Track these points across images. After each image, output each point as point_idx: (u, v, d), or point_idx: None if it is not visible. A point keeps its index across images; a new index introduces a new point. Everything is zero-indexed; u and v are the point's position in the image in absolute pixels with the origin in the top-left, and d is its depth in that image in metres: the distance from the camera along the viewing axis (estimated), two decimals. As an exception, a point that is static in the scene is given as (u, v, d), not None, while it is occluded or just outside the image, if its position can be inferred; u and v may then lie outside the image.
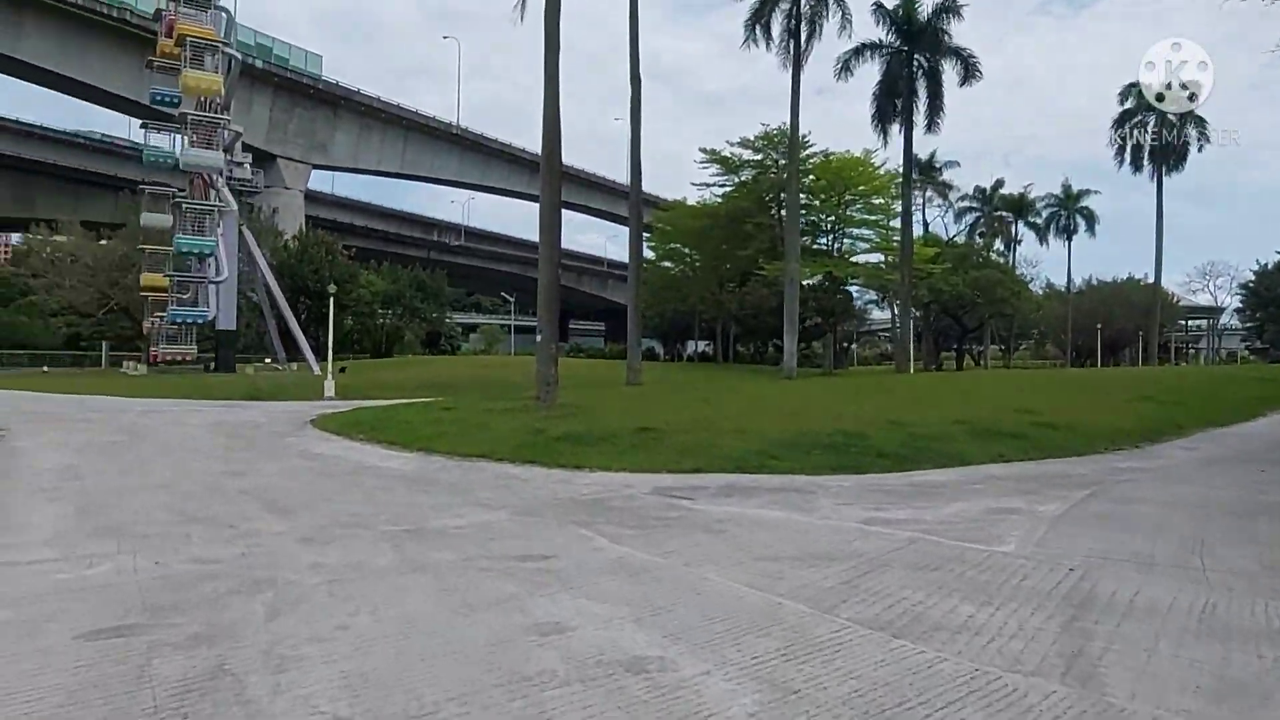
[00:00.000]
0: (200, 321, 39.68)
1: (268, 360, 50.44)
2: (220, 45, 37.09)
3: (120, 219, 60.62)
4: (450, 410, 19.63)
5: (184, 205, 37.64)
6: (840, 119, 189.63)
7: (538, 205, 22.21)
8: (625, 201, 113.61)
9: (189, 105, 37.71)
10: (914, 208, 55.05)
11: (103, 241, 55.88)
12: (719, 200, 59.65)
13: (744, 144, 55.93)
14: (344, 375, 40.48)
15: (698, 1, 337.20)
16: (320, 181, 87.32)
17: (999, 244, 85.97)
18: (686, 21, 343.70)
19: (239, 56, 39.13)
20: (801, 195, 50.29)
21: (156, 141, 46.54)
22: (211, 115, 37.30)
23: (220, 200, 39.77)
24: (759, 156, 56.21)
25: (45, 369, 49.05)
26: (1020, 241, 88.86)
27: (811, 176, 53.79)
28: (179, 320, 38.90)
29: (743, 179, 57.09)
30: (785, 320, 38.04)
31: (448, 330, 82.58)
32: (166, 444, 15.03)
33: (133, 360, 49.27)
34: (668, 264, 67.79)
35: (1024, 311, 78.98)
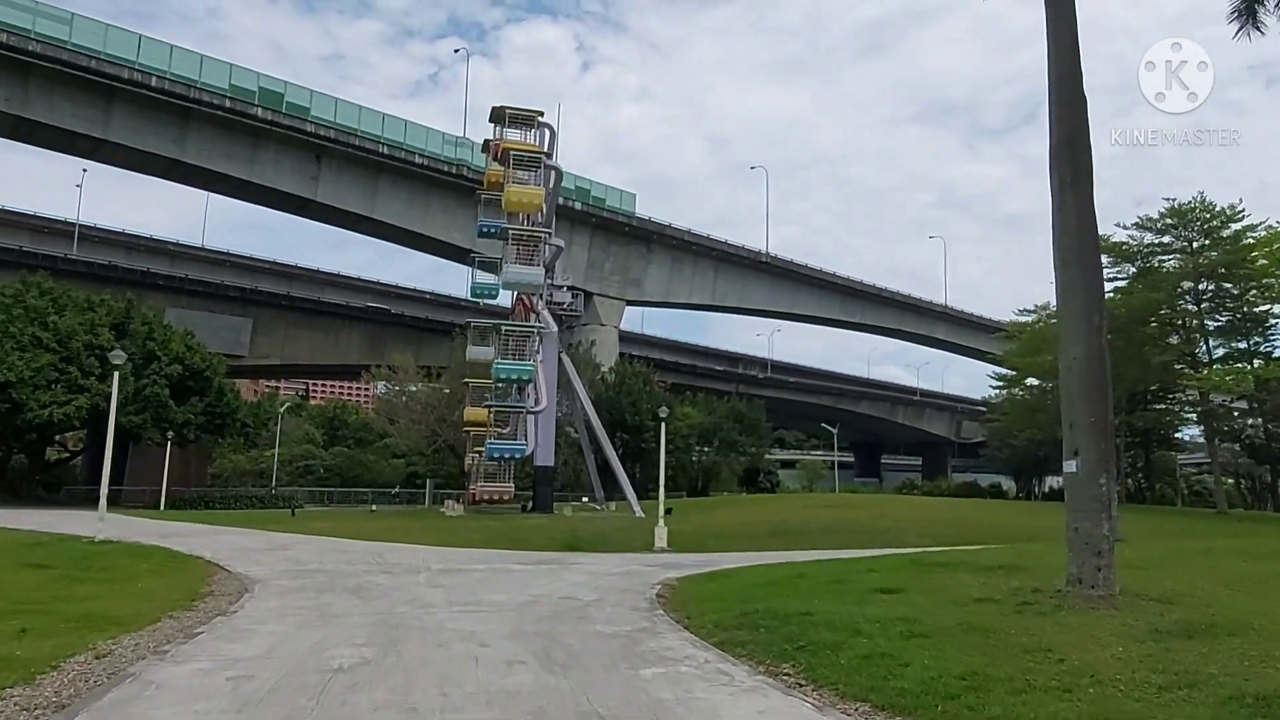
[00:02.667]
0: (518, 456, 35.12)
1: (585, 499, 45.31)
2: (542, 158, 33.81)
3: (453, 360, 60.60)
4: (898, 595, 11.15)
5: (503, 329, 33.82)
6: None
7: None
8: (942, 322, 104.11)
9: (512, 224, 34.48)
10: None
11: (434, 385, 55.02)
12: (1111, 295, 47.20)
13: (1144, 224, 43.90)
14: (671, 518, 33.71)
15: (995, 126, 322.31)
16: (629, 319, 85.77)
17: None
18: (981, 148, 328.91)
19: (560, 168, 35.83)
20: (1228, 283, 37.61)
21: (483, 279, 44.59)
22: (532, 229, 33.65)
23: (540, 322, 35.92)
24: (1163, 239, 43.75)
25: (373, 508, 47.42)
26: None
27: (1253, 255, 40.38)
28: (497, 455, 34.56)
29: (1146, 266, 44.41)
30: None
31: (766, 466, 74.89)
32: (437, 674, 7.81)
33: (453, 500, 46.26)
34: (1016, 393, 55.41)
35: None
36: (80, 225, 69.78)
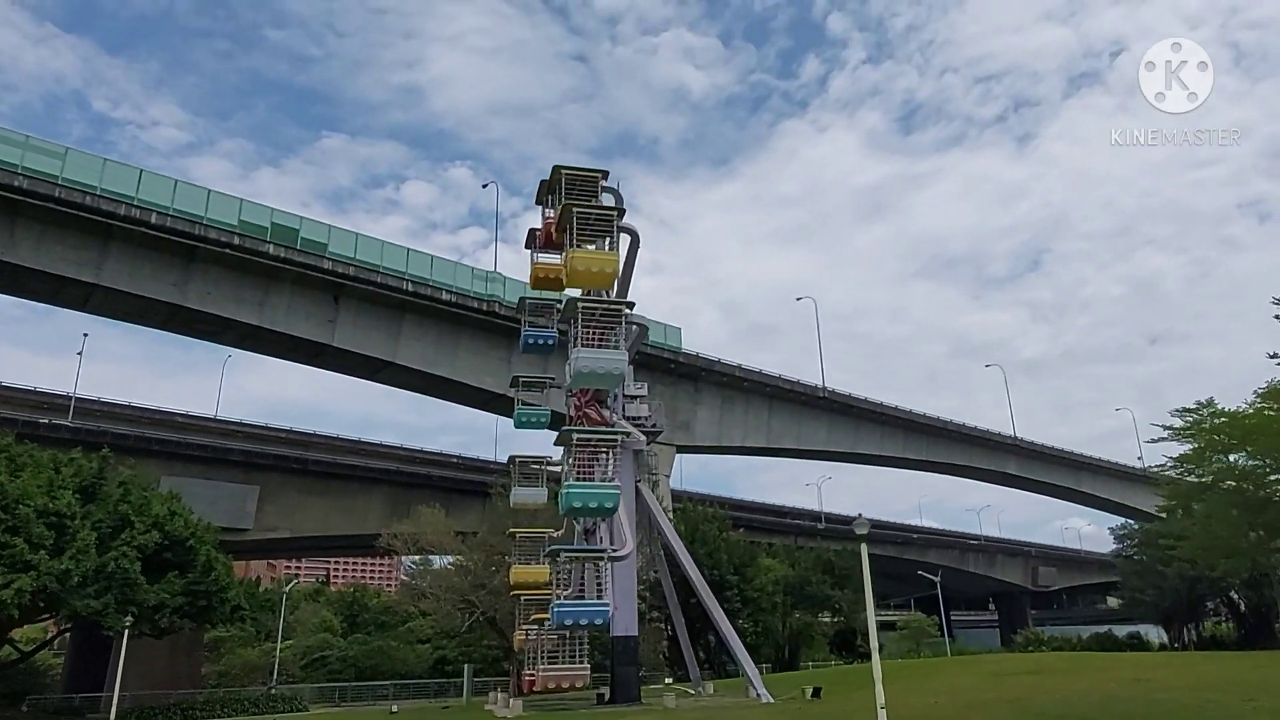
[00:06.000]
0: (599, 623, 24.49)
1: (668, 680, 34.32)
2: (614, 217, 25.44)
3: (486, 521, 50.97)
4: None
5: (575, 438, 24.07)
6: None
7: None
8: (1013, 456, 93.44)
9: (573, 316, 25.38)
10: None
11: (467, 545, 44.93)
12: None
13: None
14: (821, 703, 23.12)
15: (1001, 275, 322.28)
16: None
17: None
18: (989, 297, 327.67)
19: (636, 233, 27.49)
20: None
21: (530, 406, 35.76)
22: (610, 302, 24.64)
23: (623, 428, 26.47)
24: None
25: (394, 708, 36.16)
26: None
27: None
28: (569, 622, 23.87)
29: None
30: None
31: (863, 627, 62.49)
32: None
33: (499, 690, 35.31)
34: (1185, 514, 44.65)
35: None
36: (77, 398, 61.96)
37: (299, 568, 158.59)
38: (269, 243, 48.84)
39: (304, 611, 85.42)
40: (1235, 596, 52.80)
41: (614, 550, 24.90)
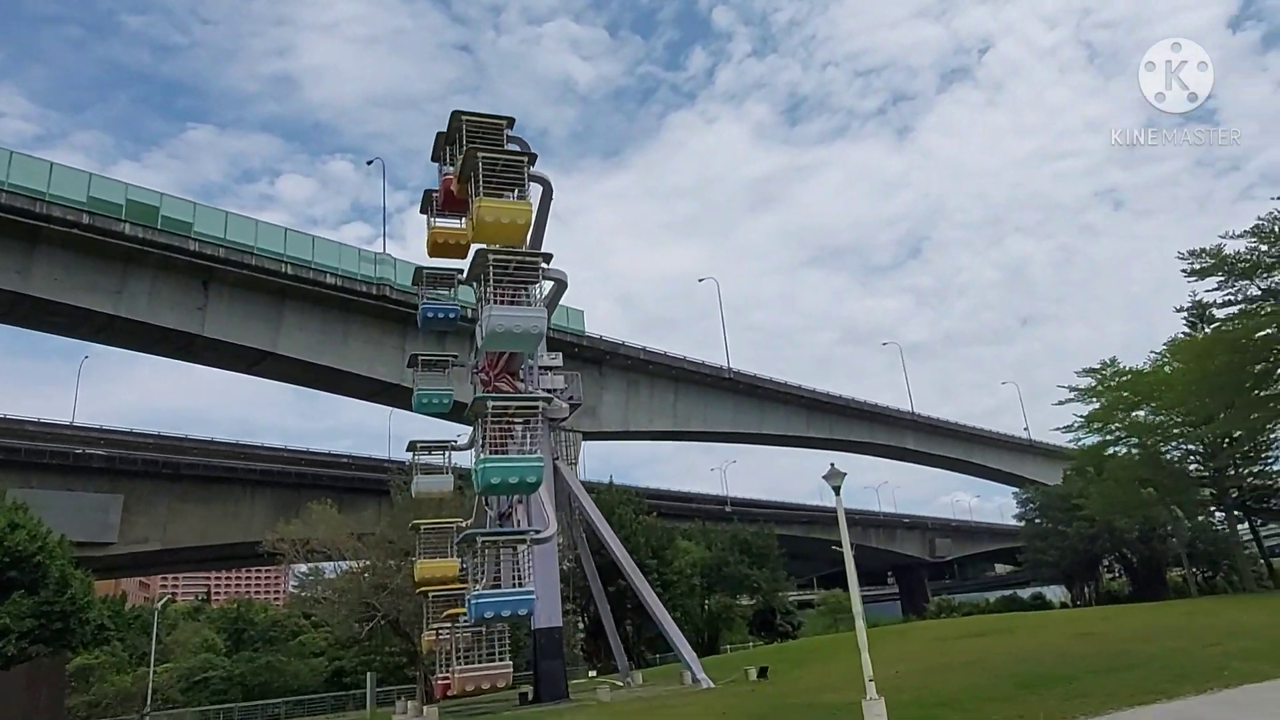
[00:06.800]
0: (522, 613, 21.53)
1: (592, 674, 31.99)
2: (525, 164, 22.38)
3: (383, 522, 47.43)
4: None
5: (491, 405, 21.14)
6: None
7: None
8: (910, 431, 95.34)
9: (479, 267, 22.10)
10: None
11: (364, 539, 41.26)
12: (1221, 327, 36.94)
13: (1258, 233, 35.15)
14: (769, 684, 21.33)
15: (886, 263, 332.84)
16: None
17: None
18: (874, 285, 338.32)
19: (550, 182, 24.69)
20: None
21: (431, 386, 32.61)
22: (526, 254, 21.61)
23: (543, 394, 23.61)
24: (1276, 247, 34.88)
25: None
26: None
27: None
28: (488, 615, 20.83)
29: (1265, 289, 35.24)
30: None
31: (782, 605, 61.34)
32: None
33: (408, 699, 32.18)
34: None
35: None
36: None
37: (176, 583, 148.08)
38: (125, 222, 43.67)
39: (183, 631, 79.24)
40: (1128, 553, 54.50)
41: (536, 532, 22.34)
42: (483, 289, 20.91)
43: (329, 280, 50.27)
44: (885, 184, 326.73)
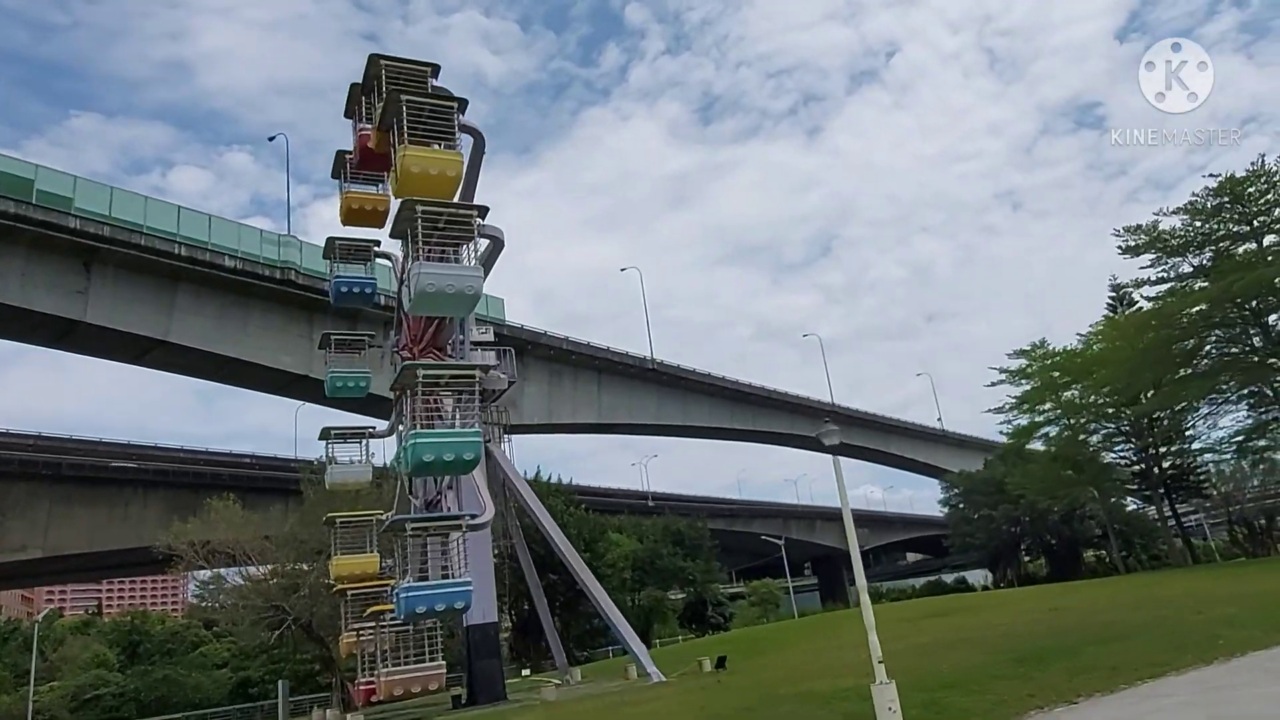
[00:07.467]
0: (460, 605, 19.11)
1: (525, 672, 29.89)
2: (455, 111, 19.93)
3: (289, 522, 44.08)
4: None
5: (422, 373, 18.64)
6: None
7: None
8: (870, 431, 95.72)
9: (404, 224, 19.40)
10: None
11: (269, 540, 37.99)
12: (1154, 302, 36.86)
13: (1191, 209, 35.23)
14: (731, 675, 19.73)
15: (798, 260, 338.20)
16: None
17: None
18: (787, 282, 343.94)
19: (482, 134, 22.34)
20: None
21: (344, 368, 29.89)
22: (459, 207, 19.17)
23: (478, 364, 21.18)
24: (1211, 225, 35.13)
25: (190, 745, 29.34)
26: None
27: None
28: (419, 609, 18.34)
29: (1196, 265, 35.39)
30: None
31: (715, 597, 59.83)
32: None
33: (325, 708, 29.42)
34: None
35: None
36: None
37: (64, 596, 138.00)
38: (-8, 194, 39.22)
39: (71, 647, 73.23)
40: (1048, 535, 55.53)
41: (472, 517, 20.13)
42: (410, 246, 18.55)
43: (227, 263, 46.47)
44: (797, 183, 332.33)
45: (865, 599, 11.01)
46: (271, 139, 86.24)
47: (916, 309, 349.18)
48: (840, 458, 13.43)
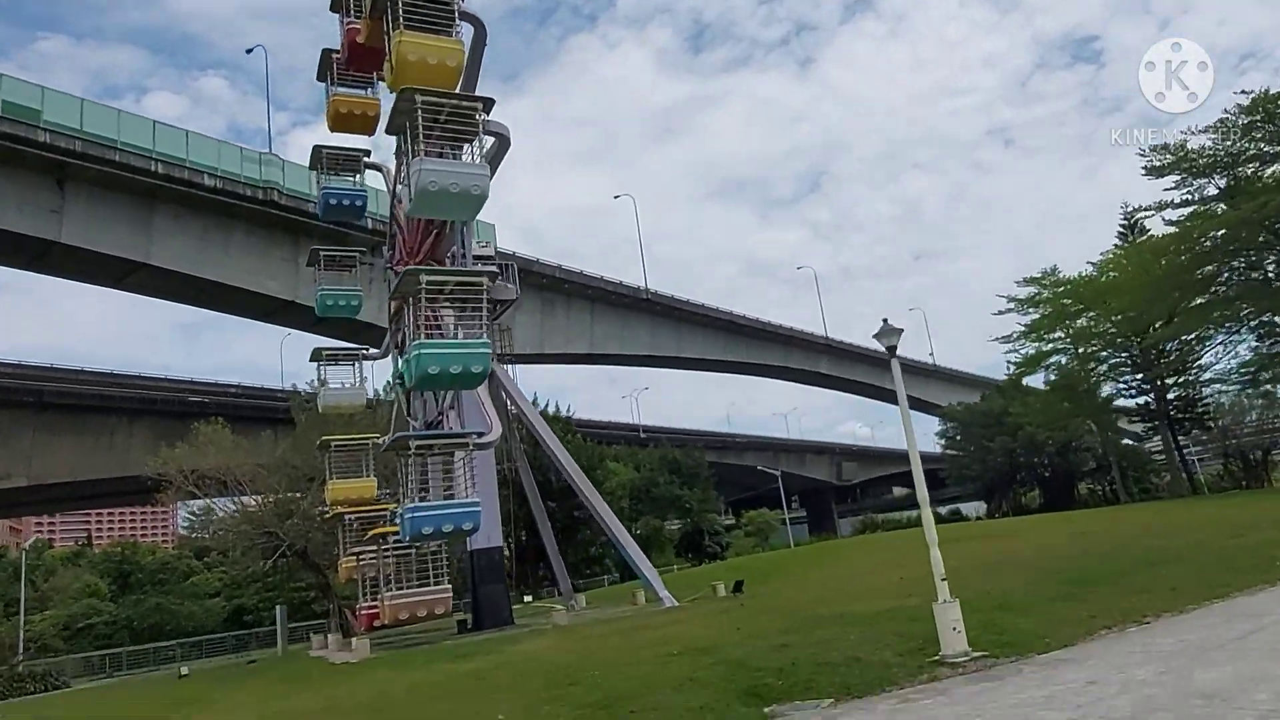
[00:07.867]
0: (468, 527, 18.27)
1: (528, 599, 29.36)
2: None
3: (279, 450, 42.97)
4: None
5: (422, 279, 17.37)
6: None
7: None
8: (825, 356, 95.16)
9: (402, 118, 17.69)
10: None
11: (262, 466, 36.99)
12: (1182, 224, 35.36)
13: (1221, 127, 33.40)
14: (750, 599, 19.08)
15: (786, 196, 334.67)
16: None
17: None
18: (775, 217, 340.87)
19: (484, 25, 20.65)
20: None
21: (336, 285, 28.53)
22: (462, 99, 17.81)
23: (486, 270, 19.82)
24: (1239, 144, 33.51)
25: (184, 670, 28.65)
26: None
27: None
28: (426, 530, 17.59)
29: (1221, 188, 33.90)
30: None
31: (711, 526, 59.77)
32: None
33: (328, 633, 28.79)
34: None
35: None
36: None
37: (53, 527, 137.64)
38: (-45, 105, 37.01)
39: (63, 577, 73.14)
40: (1043, 468, 55.52)
41: (479, 435, 19.14)
42: (407, 143, 17.04)
43: (207, 181, 44.53)
44: (787, 116, 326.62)
45: (928, 514, 10.14)
46: (249, 51, 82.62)
47: (905, 247, 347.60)
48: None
